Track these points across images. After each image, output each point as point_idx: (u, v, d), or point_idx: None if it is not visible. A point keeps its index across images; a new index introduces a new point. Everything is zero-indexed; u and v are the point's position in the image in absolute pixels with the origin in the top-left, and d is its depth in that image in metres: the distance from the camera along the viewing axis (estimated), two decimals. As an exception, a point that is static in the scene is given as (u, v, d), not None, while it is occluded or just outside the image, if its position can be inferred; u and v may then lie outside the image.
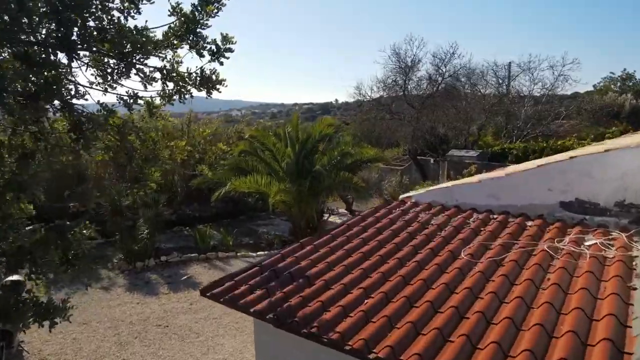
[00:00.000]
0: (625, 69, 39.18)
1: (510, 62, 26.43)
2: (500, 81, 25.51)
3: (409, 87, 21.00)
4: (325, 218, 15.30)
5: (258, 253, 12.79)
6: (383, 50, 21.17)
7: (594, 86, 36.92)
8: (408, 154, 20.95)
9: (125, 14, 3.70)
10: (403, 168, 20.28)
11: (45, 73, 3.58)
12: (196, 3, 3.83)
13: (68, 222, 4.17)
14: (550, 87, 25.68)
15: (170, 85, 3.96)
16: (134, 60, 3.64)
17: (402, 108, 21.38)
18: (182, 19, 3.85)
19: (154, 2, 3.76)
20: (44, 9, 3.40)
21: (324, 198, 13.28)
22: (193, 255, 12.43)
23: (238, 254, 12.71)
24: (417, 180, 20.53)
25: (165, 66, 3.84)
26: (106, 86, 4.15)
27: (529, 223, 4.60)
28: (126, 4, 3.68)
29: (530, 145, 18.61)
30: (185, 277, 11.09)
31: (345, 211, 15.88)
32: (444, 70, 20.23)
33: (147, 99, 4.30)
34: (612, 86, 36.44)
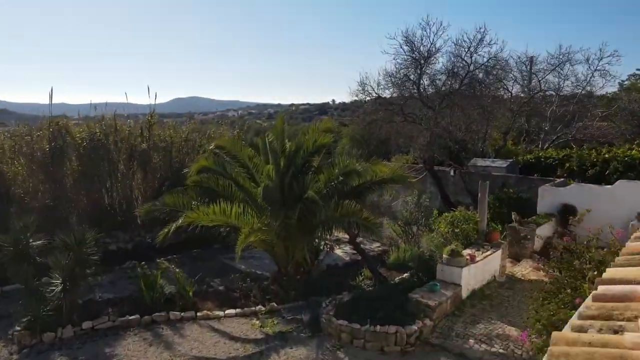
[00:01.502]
0: (654, 66, 35.73)
1: (532, 57, 22.95)
2: (531, 76, 21.97)
3: (424, 83, 17.22)
4: (325, 252, 11.62)
5: (227, 312, 9.04)
6: (393, 37, 17.03)
7: (619, 84, 33.44)
8: (423, 164, 17.21)
9: None
10: (416, 180, 16.55)
11: None
12: None
13: None
14: (584, 84, 22.13)
15: None
16: None
17: (415, 108, 17.58)
18: None
19: None
20: None
21: (320, 232, 9.55)
22: (133, 317, 8.66)
23: (198, 313, 8.94)
24: (434, 196, 16.83)
25: None
26: None
27: None
28: None
29: (576, 152, 14.92)
30: (110, 361, 7.37)
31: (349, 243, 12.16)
32: (468, 61, 16.45)
33: None
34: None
